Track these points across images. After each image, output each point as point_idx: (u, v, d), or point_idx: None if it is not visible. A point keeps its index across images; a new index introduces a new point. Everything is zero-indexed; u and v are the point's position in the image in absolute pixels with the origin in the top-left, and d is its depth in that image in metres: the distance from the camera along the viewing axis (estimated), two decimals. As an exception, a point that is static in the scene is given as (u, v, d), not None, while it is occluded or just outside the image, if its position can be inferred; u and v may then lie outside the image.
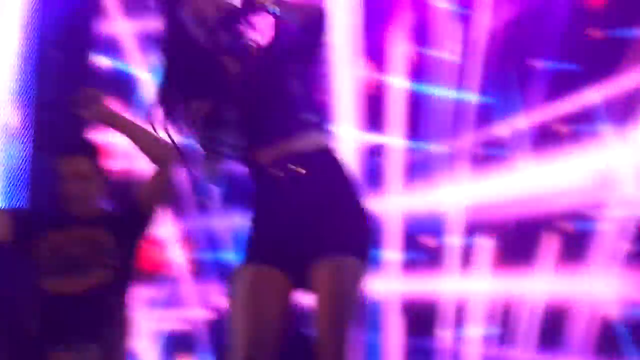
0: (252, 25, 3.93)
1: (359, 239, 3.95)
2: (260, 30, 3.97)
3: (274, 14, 3.88)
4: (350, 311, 3.92)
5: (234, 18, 3.87)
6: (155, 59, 4.05)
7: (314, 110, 3.93)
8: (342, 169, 3.96)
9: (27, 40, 7.67)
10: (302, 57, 3.94)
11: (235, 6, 3.89)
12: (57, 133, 6.67)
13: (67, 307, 5.09)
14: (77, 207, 5.10)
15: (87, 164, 5.17)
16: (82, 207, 5.12)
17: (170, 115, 3.97)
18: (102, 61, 7.91)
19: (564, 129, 8.07)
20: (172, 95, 3.98)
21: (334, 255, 3.85)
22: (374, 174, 7.78)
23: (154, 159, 5.09)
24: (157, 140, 4.71)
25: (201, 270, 7.75)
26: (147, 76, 7.90)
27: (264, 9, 3.89)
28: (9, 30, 7.71)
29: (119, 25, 8.14)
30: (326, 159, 3.91)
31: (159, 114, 3.97)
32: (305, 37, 3.92)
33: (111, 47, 8.10)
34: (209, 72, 3.95)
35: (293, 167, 3.86)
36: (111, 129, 5.16)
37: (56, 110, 7.14)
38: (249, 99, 3.89)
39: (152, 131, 4.42)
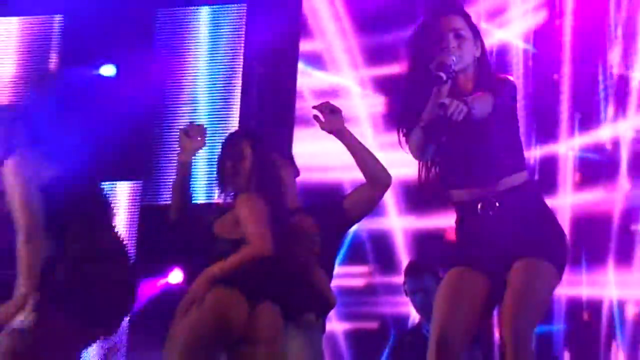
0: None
1: (551, 246, 4.15)
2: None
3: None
4: (535, 308, 4.10)
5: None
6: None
7: (511, 153, 4.19)
8: (535, 197, 4.25)
9: (240, 60, 8.82)
10: (502, 118, 4.16)
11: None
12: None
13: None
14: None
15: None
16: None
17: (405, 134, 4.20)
18: (307, 79, 8.65)
19: None
20: (407, 120, 4.20)
21: (527, 257, 4.09)
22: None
23: (370, 177, 5.21)
24: (377, 161, 5.17)
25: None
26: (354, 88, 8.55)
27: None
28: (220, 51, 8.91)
29: (326, 43, 8.73)
30: (520, 193, 4.16)
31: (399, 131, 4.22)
32: (500, 106, 4.13)
33: (317, 65, 8.71)
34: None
35: (496, 203, 4.13)
36: (340, 140, 5.28)
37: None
38: (462, 144, 4.17)
39: (373, 152, 5.06)
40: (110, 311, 4.82)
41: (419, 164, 4.28)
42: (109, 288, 4.76)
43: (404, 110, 4.29)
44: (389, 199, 7.97)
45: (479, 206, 4.19)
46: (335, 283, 5.43)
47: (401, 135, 4.24)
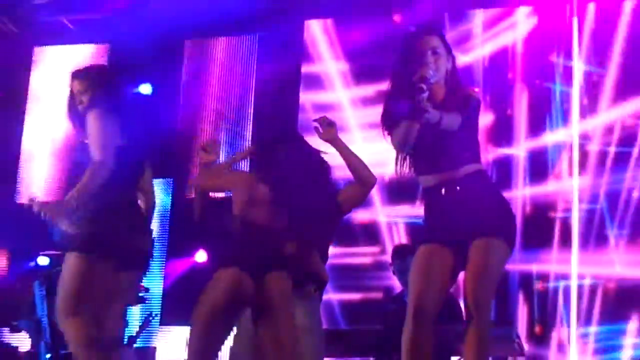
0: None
1: (504, 227, 4.35)
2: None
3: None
4: (491, 279, 4.29)
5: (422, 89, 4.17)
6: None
7: (470, 148, 4.39)
8: (489, 183, 4.48)
9: (253, 79, 9.43)
10: (465, 122, 4.32)
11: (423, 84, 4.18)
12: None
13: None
14: None
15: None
16: None
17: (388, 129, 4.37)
18: (308, 96, 9.24)
19: None
20: (391, 118, 4.37)
21: (483, 236, 4.27)
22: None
23: (358, 178, 5.34)
24: (364, 165, 5.30)
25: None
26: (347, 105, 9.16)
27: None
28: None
29: (323, 66, 9.38)
30: (476, 179, 4.37)
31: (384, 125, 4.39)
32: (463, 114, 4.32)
33: (316, 84, 9.34)
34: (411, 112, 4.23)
35: (457, 187, 4.32)
36: (334, 147, 5.35)
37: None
38: (431, 140, 4.31)
39: (361, 157, 5.20)
40: (135, 255, 4.99)
41: (396, 155, 4.45)
42: (134, 238, 4.97)
43: (389, 112, 4.42)
44: (375, 194, 8.48)
45: (443, 190, 4.35)
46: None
47: (386, 133, 4.40)
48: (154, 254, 5.99)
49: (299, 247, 5.22)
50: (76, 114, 5.03)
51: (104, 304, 4.90)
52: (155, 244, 5.72)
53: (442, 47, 4.41)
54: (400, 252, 6.79)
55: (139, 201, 5.14)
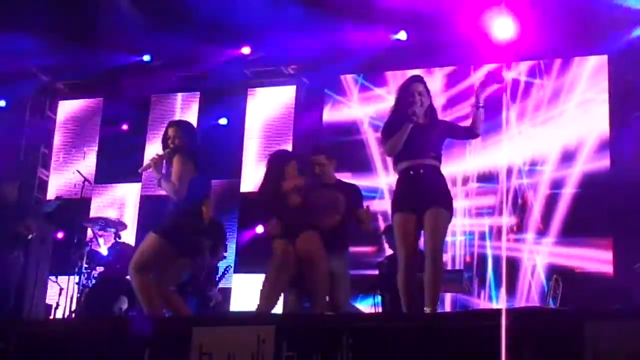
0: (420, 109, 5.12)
1: (448, 201, 5.31)
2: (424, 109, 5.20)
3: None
4: (442, 236, 5.14)
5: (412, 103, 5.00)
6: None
7: (433, 150, 5.31)
8: (440, 173, 5.39)
9: (292, 115, 11.14)
10: (436, 136, 5.27)
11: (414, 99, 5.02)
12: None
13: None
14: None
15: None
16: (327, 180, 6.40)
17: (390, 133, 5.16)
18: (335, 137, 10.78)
19: None
20: (395, 124, 5.16)
21: (435, 207, 5.19)
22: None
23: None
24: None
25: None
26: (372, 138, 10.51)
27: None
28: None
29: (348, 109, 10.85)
30: (434, 169, 5.31)
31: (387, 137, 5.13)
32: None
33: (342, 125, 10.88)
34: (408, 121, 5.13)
35: (421, 170, 5.21)
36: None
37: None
38: (416, 137, 5.23)
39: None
40: (190, 249, 5.66)
41: (387, 156, 5.35)
42: (193, 234, 5.62)
43: (388, 131, 5.26)
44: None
45: (411, 172, 5.15)
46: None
47: (385, 145, 5.28)
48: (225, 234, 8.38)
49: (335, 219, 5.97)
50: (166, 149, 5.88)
51: (164, 271, 5.67)
52: (219, 239, 7.56)
53: (425, 90, 5.32)
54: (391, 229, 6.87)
55: (204, 209, 5.80)
